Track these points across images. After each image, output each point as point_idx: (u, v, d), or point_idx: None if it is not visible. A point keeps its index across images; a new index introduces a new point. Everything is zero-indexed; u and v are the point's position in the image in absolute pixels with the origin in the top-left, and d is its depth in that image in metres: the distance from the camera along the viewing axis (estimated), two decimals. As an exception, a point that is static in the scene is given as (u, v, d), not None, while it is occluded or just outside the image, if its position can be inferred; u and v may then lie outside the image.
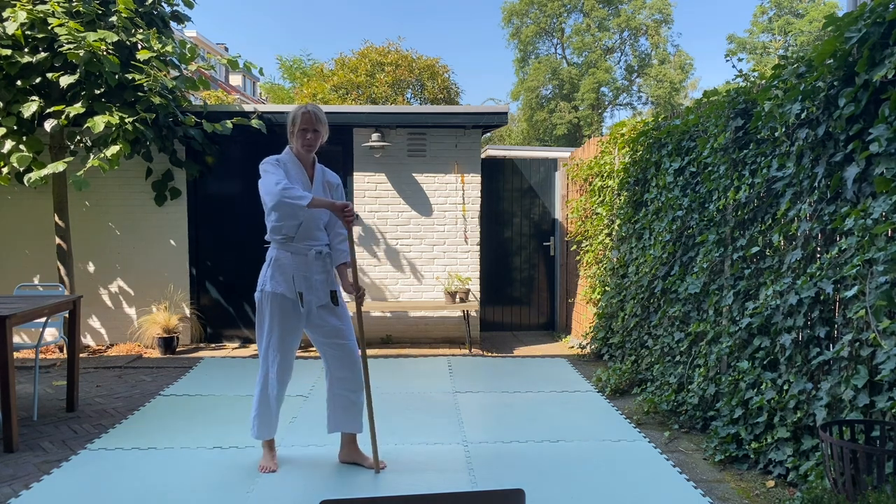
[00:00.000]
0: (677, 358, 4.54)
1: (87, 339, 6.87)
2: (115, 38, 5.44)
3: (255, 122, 6.37)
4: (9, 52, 5.36)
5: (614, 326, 5.85)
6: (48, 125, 5.70)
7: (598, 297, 6.36)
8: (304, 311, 3.35)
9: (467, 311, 6.82)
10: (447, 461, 3.65)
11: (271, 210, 3.23)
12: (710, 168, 4.17)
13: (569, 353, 6.66)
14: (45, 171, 5.56)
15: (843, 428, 2.77)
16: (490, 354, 6.58)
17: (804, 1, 32.12)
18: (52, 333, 5.44)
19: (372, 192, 6.97)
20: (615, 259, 5.96)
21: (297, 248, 3.31)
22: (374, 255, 7.01)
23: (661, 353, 4.78)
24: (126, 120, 5.54)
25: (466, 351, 6.62)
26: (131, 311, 6.84)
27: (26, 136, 5.74)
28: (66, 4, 5.51)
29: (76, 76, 5.47)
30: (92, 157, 5.65)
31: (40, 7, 5.41)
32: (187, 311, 6.82)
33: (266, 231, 3.37)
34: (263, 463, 3.53)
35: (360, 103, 17.09)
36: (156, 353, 6.49)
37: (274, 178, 3.17)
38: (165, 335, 6.45)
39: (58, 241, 6.26)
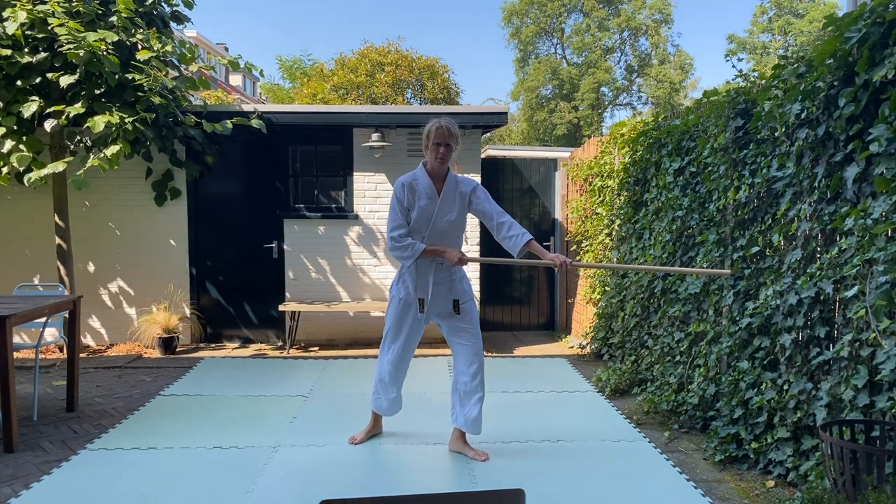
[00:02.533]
0: (677, 358, 4.54)
1: (87, 339, 6.87)
2: (115, 38, 5.44)
3: (255, 122, 6.37)
4: (9, 52, 5.36)
5: (614, 326, 5.85)
6: (48, 125, 5.70)
7: (598, 297, 6.36)
8: (422, 315, 3.64)
9: (467, 311, 6.80)
10: (447, 461, 3.66)
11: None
12: (710, 168, 4.17)
13: (569, 353, 6.66)
14: (45, 171, 5.56)
15: (843, 428, 2.77)
16: (490, 354, 6.58)
17: (804, 1, 32.12)
18: (52, 333, 5.44)
19: (372, 192, 6.97)
20: (615, 259, 5.96)
21: (421, 261, 3.57)
22: (374, 255, 7.01)
23: (661, 353, 4.78)
24: (126, 120, 5.54)
25: (466, 351, 6.61)
26: (131, 311, 6.85)
27: (26, 136, 5.74)
28: (66, 4, 5.51)
29: (76, 76, 5.47)
30: (92, 157, 5.66)
31: (40, 7, 5.41)
32: (187, 311, 6.82)
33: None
34: (359, 433, 3.90)
35: (360, 103, 17.08)
36: (156, 353, 6.49)
37: (393, 221, 3.51)
38: (165, 335, 6.45)
39: (58, 241, 6.26)
